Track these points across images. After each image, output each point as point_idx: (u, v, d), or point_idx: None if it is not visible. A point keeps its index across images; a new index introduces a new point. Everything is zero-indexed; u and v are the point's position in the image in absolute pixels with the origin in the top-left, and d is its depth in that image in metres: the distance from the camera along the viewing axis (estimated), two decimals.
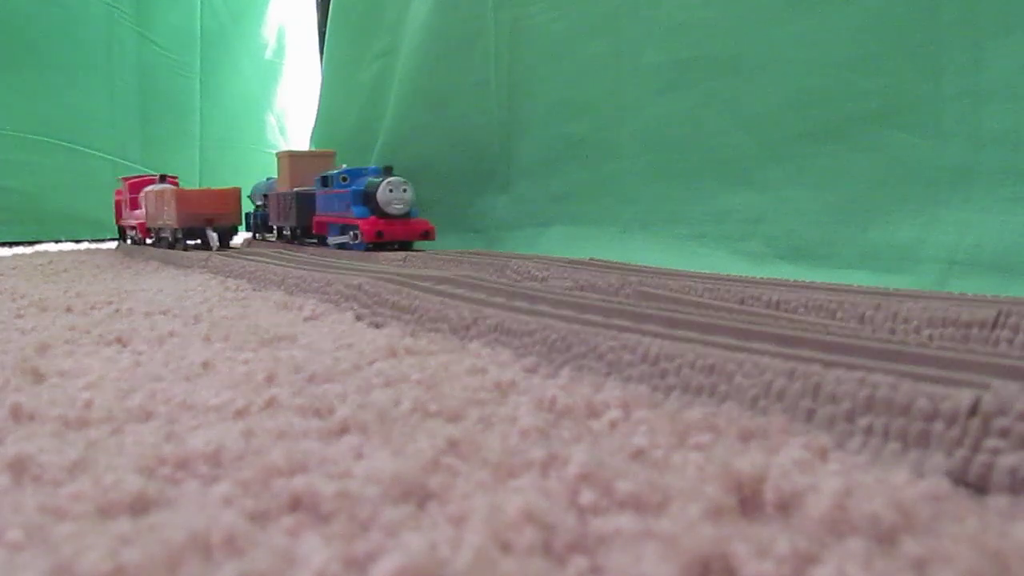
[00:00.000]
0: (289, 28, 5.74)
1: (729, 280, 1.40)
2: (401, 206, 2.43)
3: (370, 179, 2.51)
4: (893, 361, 0.74)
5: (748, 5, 2.01)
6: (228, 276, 2.04)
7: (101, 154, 4.64)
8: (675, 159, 2.22)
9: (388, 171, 2.50)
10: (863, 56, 1.77)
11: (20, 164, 4.33)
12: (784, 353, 0.76)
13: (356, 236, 2.45)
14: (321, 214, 2.75)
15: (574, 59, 2.52)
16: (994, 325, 0.94)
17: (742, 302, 1.20)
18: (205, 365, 0.96)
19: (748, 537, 0.44)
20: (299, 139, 5.44)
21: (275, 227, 3.30)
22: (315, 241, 2.91)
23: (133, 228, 3.34)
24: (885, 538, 0.45)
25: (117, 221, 3.62)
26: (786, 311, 1.12)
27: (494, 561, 0.42)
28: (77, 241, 4.23)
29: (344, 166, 2.64)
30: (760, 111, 1.98)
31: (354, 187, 2.51)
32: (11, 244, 4.02)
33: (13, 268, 2.57)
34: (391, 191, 2.43)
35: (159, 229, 2.91)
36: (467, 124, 2.91)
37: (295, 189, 2.95)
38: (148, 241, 3.17)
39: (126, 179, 3.41)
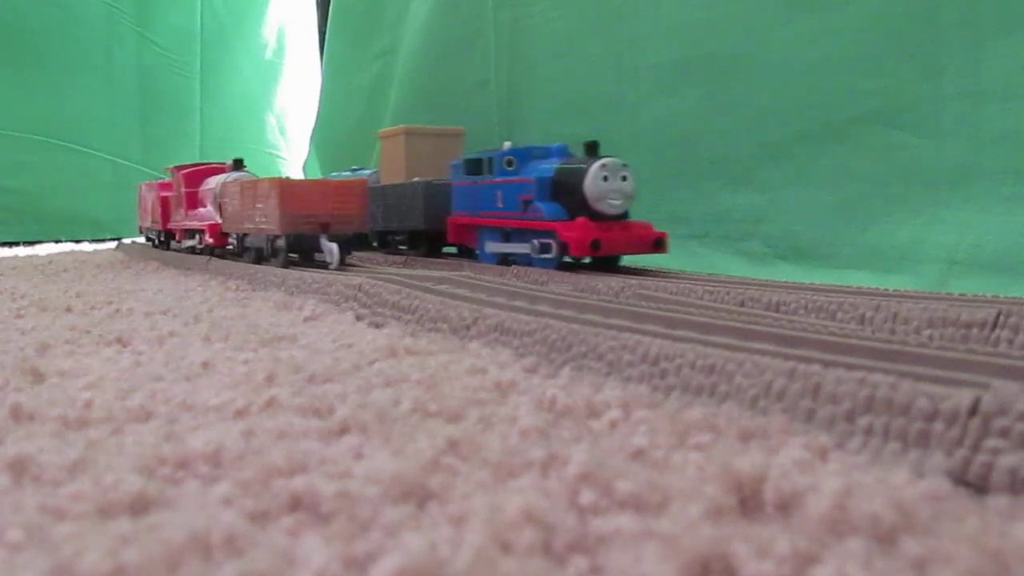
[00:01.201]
0: (289, 28, 5.74)
1: (729, 282, 1.40)
2: (619, 201, 1.65)
3: (561, 162, 1.74)
4: (893, 361, 0.74)
5: (748, 5, 2.02)
6: (228, 276, 2.04)
7: (101, 154, 4.65)
8: (675, 159, 2.22)
9: (592, 148, 1.69)
10: (863, 56, 1.77)
11: (20, 164, 4.34)
12: (784, 353, 0.76)
13: (551, 248, 1.68)
14: (463, 214, 2.03)
15: (574, 59, 2.52)
16: (994, 325, 0.94)
17: (742, 304, 1.20)
18: (205, 365, 0.96)
19: (748, 537, 0.44)
20: (299, 139, 5.44)
21: (378, 234, 2.51)
22: (453, 253, 2.22)
23: (191, 233, 2.54)
24: (885, 538, 0.45)
25: (160, 225, 2.88)
26: (786, 313, 1.12)
27: (494, 561, 0.42)
28: (77, 241, 4.23)
29: (509, 144, 1.92)
30: (760, 111, 1.98)
31: (537, 173, 1.76)
32: (11, 244, 4.02)
33: (13, 268, 2.57)
34: (605, 179, 1.64)
35: (243, 236, 2.13)
36: (467, 124, 2.92)
37: (416, 180, 2.24)
38: (213, 249, 2.38)
39: (179, 168, 2.63)
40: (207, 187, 2.43)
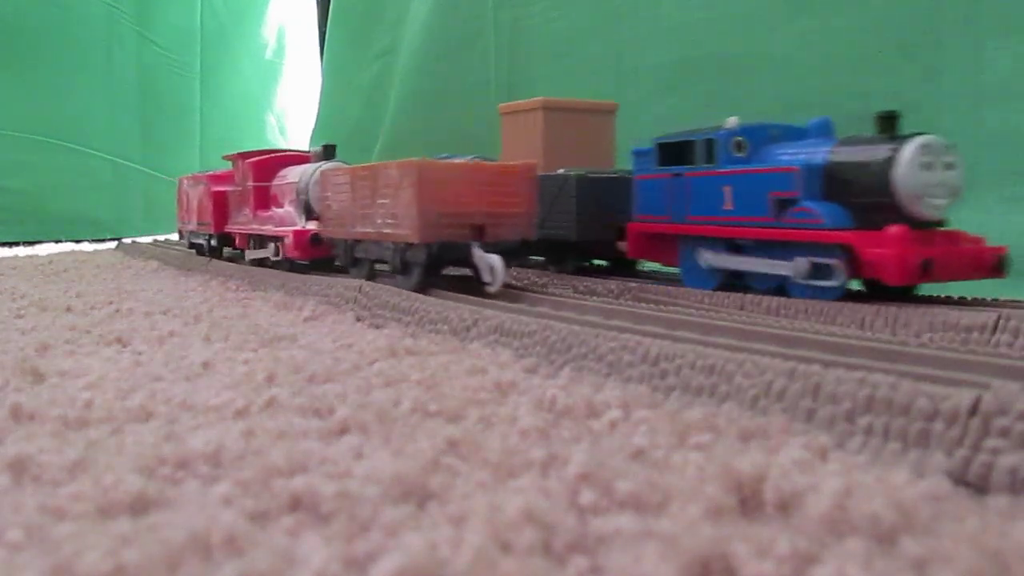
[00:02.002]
0: (289, 28, 5.75)
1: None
2: (944, 201, 1.14)
3: (837, 145, 1.21)
4: (893, 361, 0.74)
5: (748, 5, 2.02)
6: (228, 277, 2.04)
7: (101, 154, 4.65)
8: None
9: (889, 123, 1.17)
10: (863, 56, 1.77)
11: (20, 164, 4.33)
12: (784, 353, 0.76)
13: (831, 272, 1.16)
14: (655, 219, 1.46)
15: (574, 59, 2.52)
16: (994, 329, 0.94)
17: (742, 307, 1.19)
18: (205, 365, 0.96)
19: (748, 537, 0.44)
20: (299, 139, 5.45)
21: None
22: (604, 267, 1.73)
23: (262, 241, 2.02)
24: (885, 538, 0.45)
25: (211, 227, 2.37)
26: (786, 316, 1.12)
27: (494, 561, 0.42)
28: (77, 241, 4.23)
29: (735, 120, 1.34)
30: (760, 111, 1.97)
31: (802, 160, 1.23)
32: (11, 244, 4.02)
33: (13, 268, 2.57)
34: (927, 167, 1.12)
35: (354, 244, 1.58)
36: (467, 124, 2.92)
37: (564, 172, 1.65)
38: (292, 262, 1.85)
39: (243, 156, 2.13)
40: (285, 180, 1.93)
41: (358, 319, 1.32)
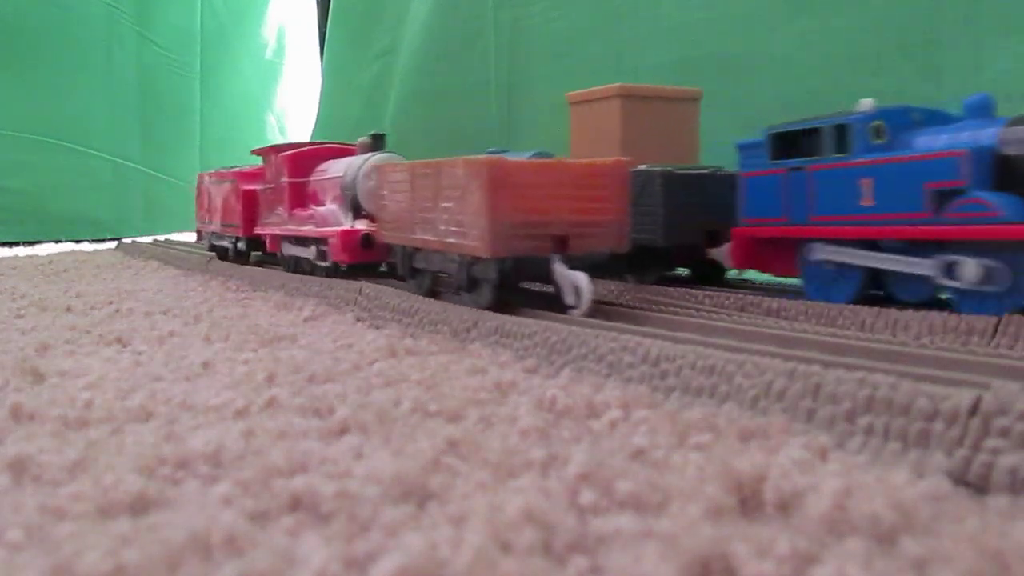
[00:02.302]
0: (289, 28, 5.75)
1: (729, 286, 1.39)
2: None
3: (1008, 126, 1.02)
4: (893, 362, 0.74)
5: (748, 5, 2.02)
6: (228, 277, 2.04)
7: (101, 154, 4.65)
8: None
9: None
10: (863, 56, 1.77)
11: (20, 164, 4.34)
12: (784, 354, 0.76)
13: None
14: (769, 221, 1.26)
15: (574, 59, 2.52)
16: (994, 333, 0.93)
17: (742, 309, 1.19)
18: (205, 365, 0.96)
19: (748, 537, 0.44)
20: (299, 139, 5.45)
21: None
22: (680, 276, 1.54)
23: (302, 243, 1.77)
24: (885, 538, 0.45)
25: (238, 230, 2.17)
26: (786, 318, 1.12)
27: (494, 561, 0.42)
28: (77, 241, 4.23)
29: (869, 102, 1.16)
30: (760, 111, 1.97)
31: (970, 143, 1.04)
32: (11, 244, 4.02)
33: (13, 268, 2.57)
34: None
35: (413, 252, 1.35)
36: (467, 124, 2.92)
37: (649, 168, 1.44)
38: (338, 266, 1.63)
39: (275, 150, 1.95)
40: (327, 175, 1.73)
41: (358, 319, 1.32)
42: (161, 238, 3.79)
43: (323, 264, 1.64)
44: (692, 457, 0.58)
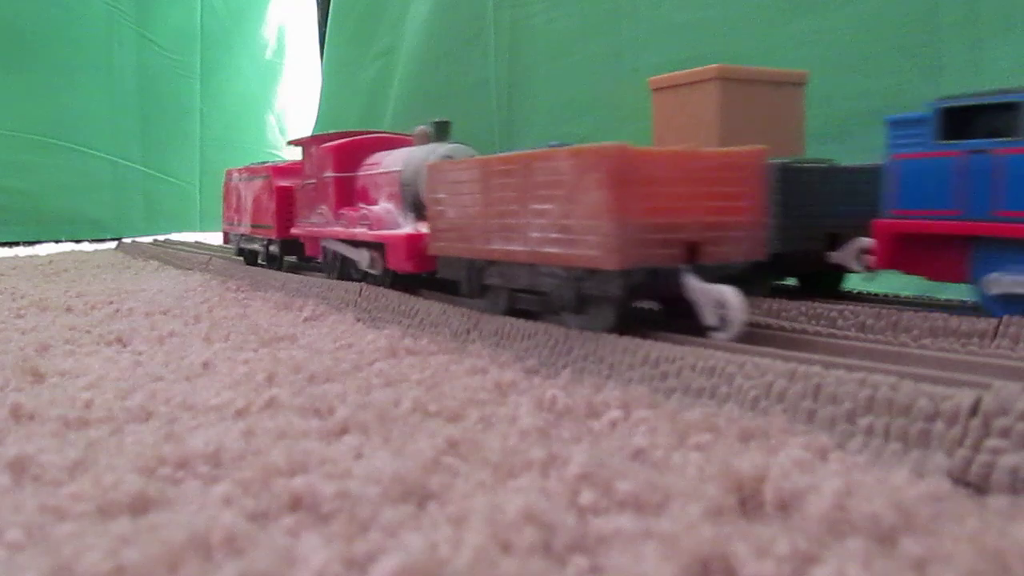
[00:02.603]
0: (289, 28, 5.75)
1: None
2: None
3: None
4: (894, 362, 0.74)
5: (748, 5, 2.02)
6: (228, 277, 2.04)
7: (101, 154, 4.65)
8: None
9: None
10: (863, 56, 1.77)
11: (20, 164, 4.34)
12: (784, 355, 0.76)
13: None
14: (918, 212, 1.07)
15: (574, 59, 2.52)
16: (994, 335, 0.93)
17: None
18: (205, 365, 0.96)
19: (748, 537, 0.44)
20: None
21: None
22: (789, 287, 1.35)
23: (351, 245, 1.55)
24: (885, 538, 0.45)
25: (271, 231, 1.95)
26: (786, 319, 1.12)
27: (494, 561, 0.42)
28: (77, 241, 4.24)
29: None
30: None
31: None
32: (11, 244, 4.02)
33: (13, 268, 2.57)
34: None
35: (484, 266, 1.13)
36: (467, 124, 2.92)
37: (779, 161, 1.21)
38: (395, 275, 1.42)
39: (317, 140, 1.73)
40: (381, 169, 1.51)
41: (358, 320, 1.32)
42: (161, 238, 3.79)
43: (374, 271, 1.45)
44: (692, 457, 0.58)
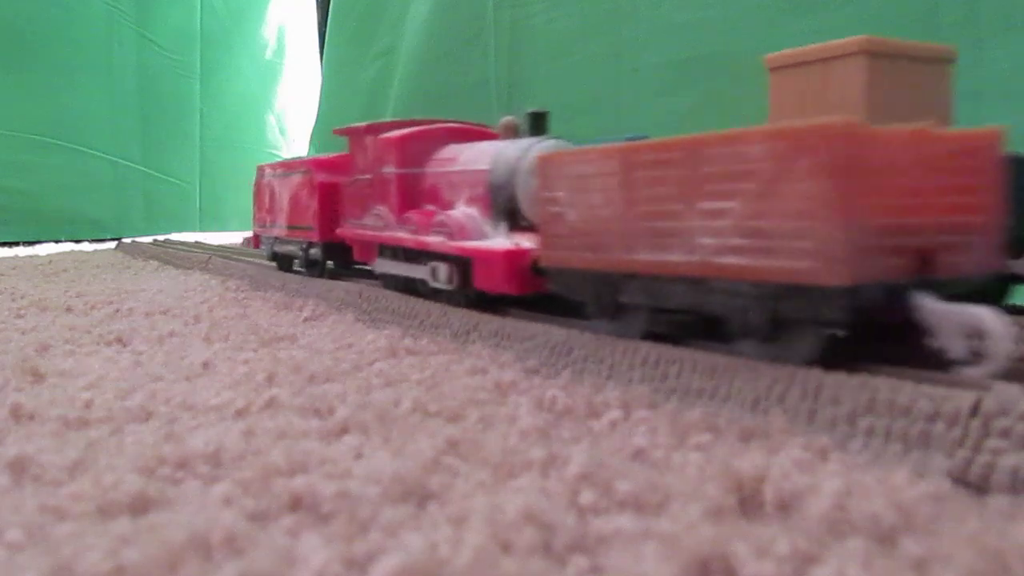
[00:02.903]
0: (289, 28, 5.75)
1: None
2: None
3: None
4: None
5: (748, 5, 2.02)
6: (228, 276, 2.03)
7: (101, 154, 4.65)
8: None
9: None
10: None
11: (20, 164, 4.34)
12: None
13: None
14: None
15: (574, 59, 2.52)
16: None
17: None
18: (205, 365, 0.96)
19: (748, 537, 0.44)
20: (299, 139, 5.45)
21: None
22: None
23: (418, 256, 1.30)
24: (885, 538, 0.45)
25: (312, 233, 1.69)
26: None
27: (494, 561, 0.42)
28: (77, 241, 4.24)
29: None
30: (760, 111, 1.97)
31: None
32: (11, 244, 4.02)
33: (13, 268, 2.57)
34: None
35: (619, 281, 0.90)
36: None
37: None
38: (481, 294, 1.16)
39: (372, 130, 1.49)
40: (459, 166, 1.27)
41: (358, 320, 1.32)
42: (161, 238, 3.79)
43: (451, 288, 1.19)
44: (692, 457, 0.58)
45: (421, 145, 1.37)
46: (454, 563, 0.42)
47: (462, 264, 1.16)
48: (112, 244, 3.85)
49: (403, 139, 1.37)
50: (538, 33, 2.66)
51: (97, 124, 4.61)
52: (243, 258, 2.26)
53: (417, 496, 0.53)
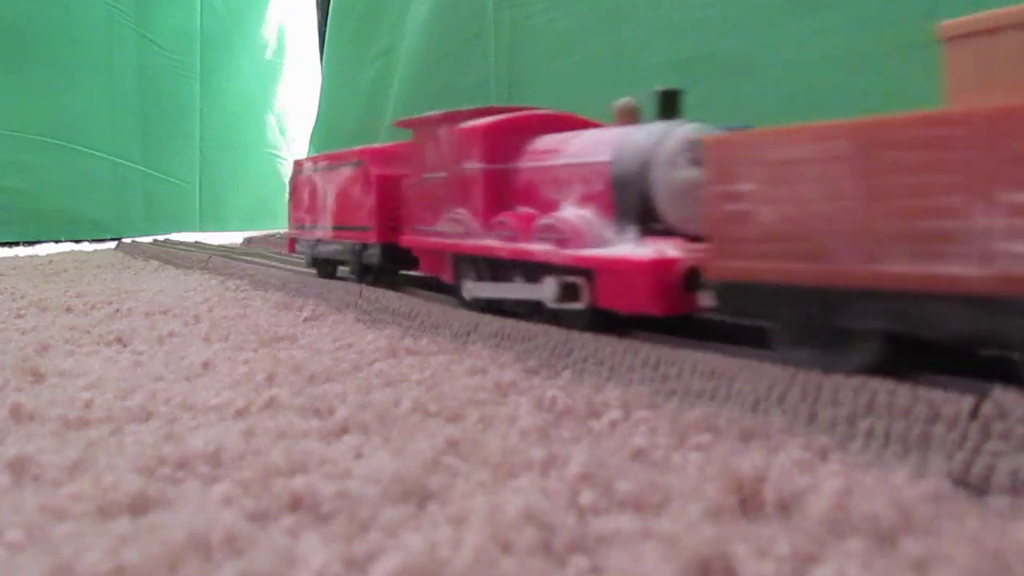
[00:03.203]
0: (289, 28, 5.75)
1: None
2: None
3: None
4: None
5: (748, 5, 2.02)
6: (228, 276, 2.03)
7: (101, 154, 4.65)
8: None
9: None
10: (863, 56, 1.77)
11: (20, 164, 4.34)
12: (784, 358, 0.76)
13: None
14: None
15: (574, 59, 2.52)
16: None
17: None
18: (205, 365, 0.96)
19: (748, 537, 0.44)
20: (299, 139, 5.45)
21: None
22: None
23: (515, 269, 1.09)
24: (885, 538, 0.45)
25: (365, 235, 1.49)
26: None
27: (494, 561, 0.42)
28: (77, 241, 4.24)
29: None
30: (761, 111, 1.97)
31: None
32: (11, 244, 4.02)
33: (13, 268, 2.57)
34: None
35: (850, 300, 0.67)
36: None
37: None
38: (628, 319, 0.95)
39: (448, 118, 1.24)
40: (568, 158, 1.07)
41: (358, 320, 1.32)
42: (161, 238, 3.79)
43: (570, 306, 0.97)
44: (692, 457, 0.58)
45: (511, 136, 1.15)
46: (454, 563, 0.42)
47: (584, 276, 0.94)
48: (112, 244, 3.85)
49: (490, 129, 1.15)
50: (538, 33, 2.66)
51: (97, 124, 4.61)
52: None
53: (417, 496, 0.53)
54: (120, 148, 4.74)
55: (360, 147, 1.55)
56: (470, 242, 1.14)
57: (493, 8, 2.80)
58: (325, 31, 4.20)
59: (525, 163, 1.12)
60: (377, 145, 1.58)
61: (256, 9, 5.56)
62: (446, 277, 1.23)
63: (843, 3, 1.82)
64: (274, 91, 5.66)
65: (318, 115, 4.20)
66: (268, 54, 5.64)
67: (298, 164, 1.86)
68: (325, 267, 1.71)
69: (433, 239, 1.24)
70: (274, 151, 5.60)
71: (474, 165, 1.15)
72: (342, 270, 1.68)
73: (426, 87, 3.11)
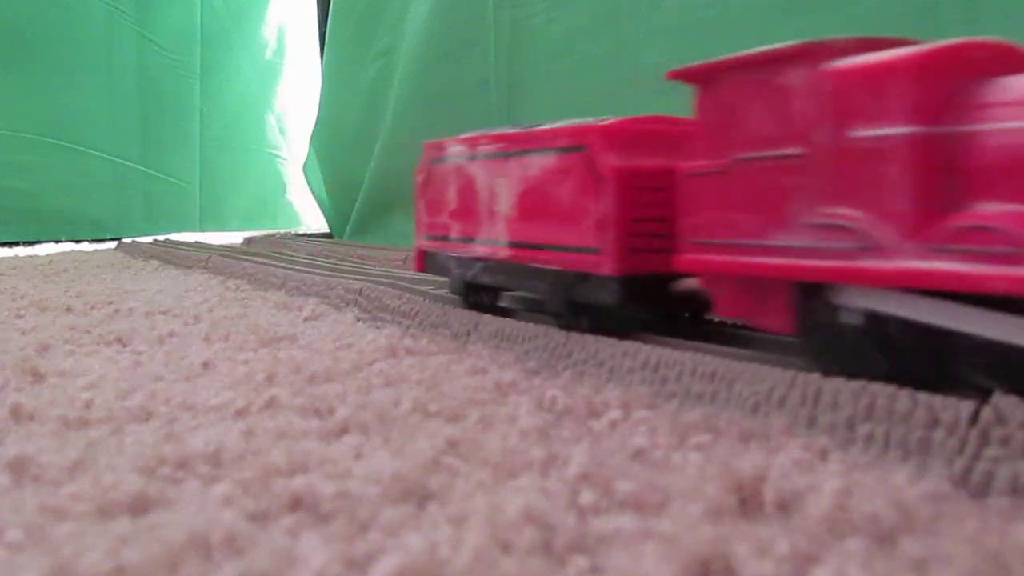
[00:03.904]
0: (289, 28, 5.75)
1: None
2: None
3: None
4: None
5: (748, 5, 2.02)
6: (228, 276, 2.03)
7: (101, 154, 4.65)
8: None
9: None
10: None
11: (20, 164, 4.34)
12: (784, 360, 0.76)
13: None
14: None
15: (574, 59, 2.52)
16: None
17: None
18: (205, 365, 0.96)
19: (748, 537, 0.44)
20: (299, 139, 5.45)
21: None
22: None
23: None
24: (885, 538, 0.45)
25: (606, 261, 0.88)
26: None
27: (494, 561, 0.42)
28: (77, 241, 4.23)
29: None
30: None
31: None
32: (11, 244, 4.02)
33: (13, 268, 2.57)
34: None
35: None
36: (467, 124, 2.91)
37: None
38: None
39: (806, 53, 0.67)
40: None
41: (358, 320, 1.32)
42: (161, 238, 3.79)
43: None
44: (692, 457, 0.58)
45: (952, 79, 0.63)
46: (454, 563, 0.42)
47: None
48: (112, 244, 3.85)
49: (925, 64, 0.63)
50: (538, 33, 2.66)
51: (97, 124, 4.61)
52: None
53: (417, 496, 0.53)
54: (120, 148, 4.73)
55: (573, 122, 0.99)
56: (892, 265, 0.62)
57: (493, 8, 2.80)
58: (325, 31, 4.20)
59: (987, 124, 0.60)
60: (607, 120, 0.96)
61: (256, 9, 5.56)
62: (779, 323, 0.75)
63: (842, 3, 1.82)
64: (274, 91, 5.65)
65: (318, 115, 4.20)
66: (268, 54, 5.64)
67: (436, 147, 1.29)
68: (488, 296, 1.18)
69: (769, 259, 0.72)
70: (274, 151, 5.60)
71: (893, 129, 0.63)
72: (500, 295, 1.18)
73: (426, 87, 3.11)
